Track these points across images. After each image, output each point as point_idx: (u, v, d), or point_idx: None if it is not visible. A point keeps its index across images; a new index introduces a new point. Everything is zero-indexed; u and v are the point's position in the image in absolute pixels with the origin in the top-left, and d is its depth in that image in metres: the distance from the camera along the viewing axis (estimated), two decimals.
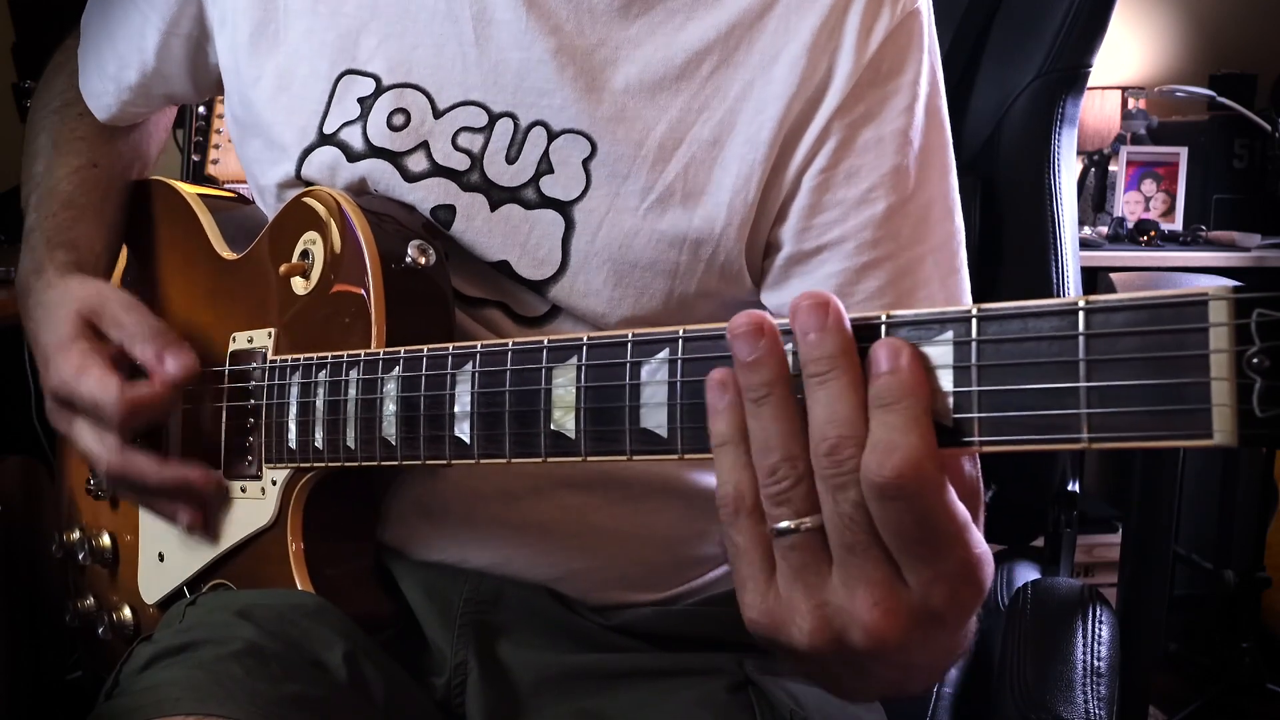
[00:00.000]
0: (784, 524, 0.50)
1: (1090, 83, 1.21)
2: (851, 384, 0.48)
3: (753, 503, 0.51)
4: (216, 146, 1.94)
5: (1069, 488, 1.20)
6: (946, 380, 0.46)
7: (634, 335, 0.56)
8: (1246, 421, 0.39)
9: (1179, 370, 0.40)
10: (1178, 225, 2.98)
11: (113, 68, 0.97)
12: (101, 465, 0.85)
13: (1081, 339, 0.43)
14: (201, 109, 1.91)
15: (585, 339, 0.58)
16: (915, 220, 0.79)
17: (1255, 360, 0.39)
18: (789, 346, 0.50)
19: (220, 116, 1.92)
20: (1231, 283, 0.40)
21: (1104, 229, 2.95)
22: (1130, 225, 2.91)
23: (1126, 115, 3.01)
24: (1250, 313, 0.39)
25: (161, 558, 0.93)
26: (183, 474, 0.84)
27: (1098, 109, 2.95)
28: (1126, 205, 2.99)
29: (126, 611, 0.97)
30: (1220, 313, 0.39)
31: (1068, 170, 1.19)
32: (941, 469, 0.47)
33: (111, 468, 0.84)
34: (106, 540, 1.00)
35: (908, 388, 0.46)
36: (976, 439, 0.46)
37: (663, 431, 0.55)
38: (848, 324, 0.48)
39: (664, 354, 0.55)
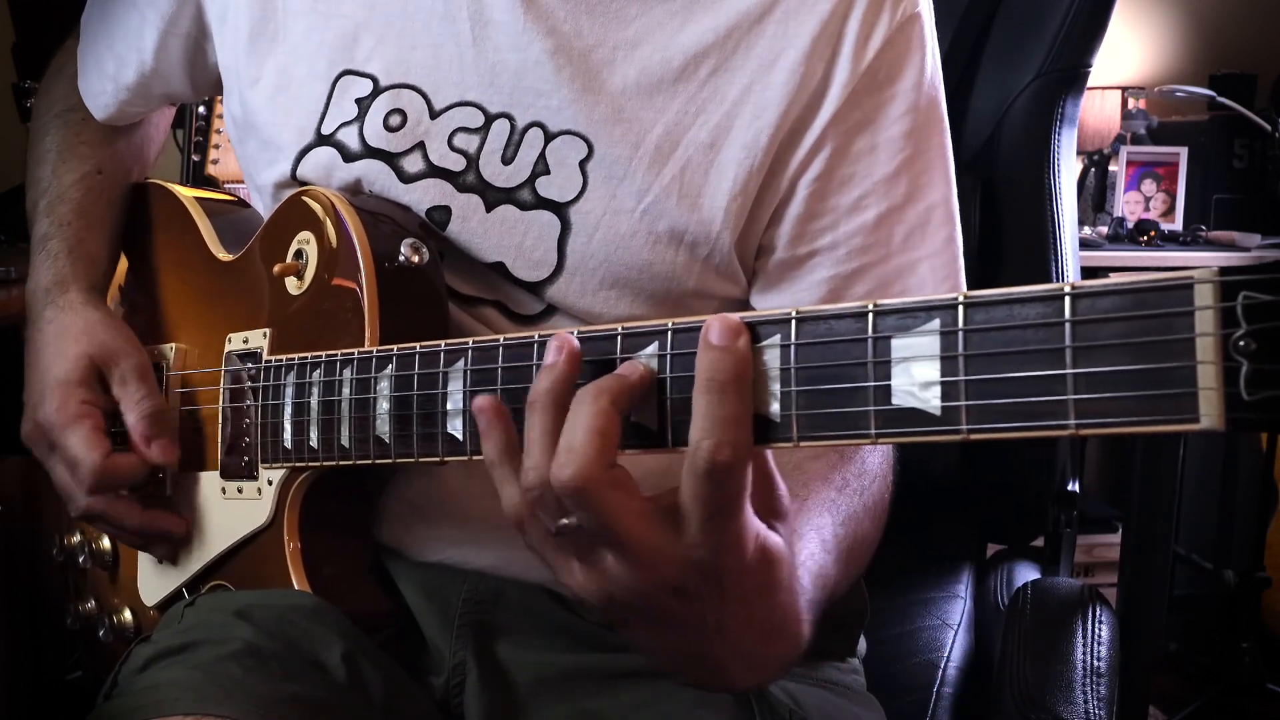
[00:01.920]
0: (552, 524, 0.54)
1: (1090, 83, 1.21)
2: (599, 411, 0.52)
3: (528, 511, 0.56)
4: (216, 147, 1.94)
5: (1069, 488, 1.20)
6: (933, 369, 0.46)
7: (623, 329, 0.56)
8: (1233, 405, 0.39)
9: (1165, 354, 0.40)
10: (1178, 225, 2.98)
11: (111, 67, 0.97)
12: (75, 505, 0.88)
13: (1068, 325, 0.43)
14: (201, 109, 1.91)
15: (575, 333, 0.58)
16: (910, 226, 0.80)
17: (1242, 343, 0.38)
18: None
19: (220, 116, 1.92)
20: (1219, 259, 0.40)
21: (1104, 229, 2.95)
22: (1130, 225, 2.91)
23: (1126, 115, 3.00)
24: (1236, 295, 0.38)
25: (161, 560, 0.93)
26: (159, 524, 0.88)
27: (1098, 109, 2.95)
28: (1126, 205, 2.99)
29: (127, 614, 0.97)
30: (1206, 296, 0.39)
31: (1068, 170, 1.19)
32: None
33: (90, 508, 0.87)
34: (106, 543, 1.00)
35: (737, 371, 0.50)
36: (964, 427, 0.45)
37: (653, 425, 0.55)
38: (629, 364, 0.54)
39: (653, 348, 0.55)
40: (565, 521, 0.53)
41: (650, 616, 0.56)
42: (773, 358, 0.51)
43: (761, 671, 0.61)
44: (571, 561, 0.56)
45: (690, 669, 0.60)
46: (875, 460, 0.77)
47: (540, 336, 0.60)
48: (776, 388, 0.51)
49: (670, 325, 0.54)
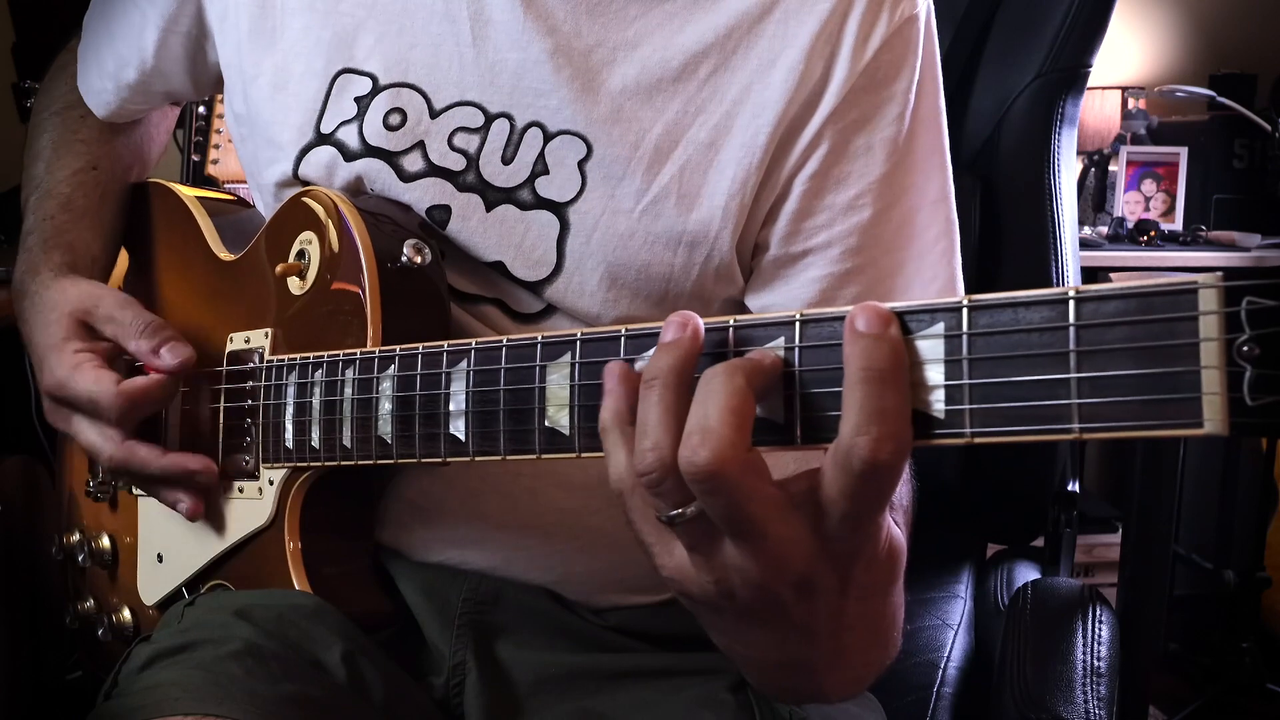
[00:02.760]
0: (669, 514, 0.51)
1: (1090, 83, 1.21)
2: (735, 390, 0.48)
3: (636, 485, 0.52)
4: (216, 147, 1.94)
5: (1069, 488, 1.20)
6: (937, 372, 0.46)
7: (627, 331, 0.56)
8: (1237, 410, 0.39)
9: (1169, 359, 0.40)
10: (1178, 225, 2.98)
11: (112, 65, 0.97)
12: (104, 456, 0.85)
13: (1072, 329, 0.43)
14: (201, 109, 1.91)
15: (579, 335, 0.58)
16: (906, 227, 0.80)
17: (1245, 348, 0.38)
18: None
19: (220, 116, 1.92)
20: (1219, 259, 0.40)
21: (1104, 229, 2.95)
22: (1130, 225, 2.91)
23: (1126, 115, 3.00)
24: (1240, 301, 0.39)
25: (160, 559, 0.93)
26: (182, 463, 0.84)
27: (1098, 109, 2.95)
28: (1126, 205, 2.99)
29: (126, 613, 0.97)
30: (1210, 301, 0.39)
31: (1068, 170, 1.19)
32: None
33: (114, 459, 0.84)
34: (106, 542, 1.00)
35: (896, 359, 0.47)
36: (968, 430, 0.46)
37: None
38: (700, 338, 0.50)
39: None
40: (681, 512, 0.50)
41: (758, 614, 0.53)
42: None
43: (857, 681, 0.59)
44: (675, 546, 0.53)
45: (782, 675, 0.58)
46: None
47: (544, 338, 0.60)
48: (780, 389, 0.51)
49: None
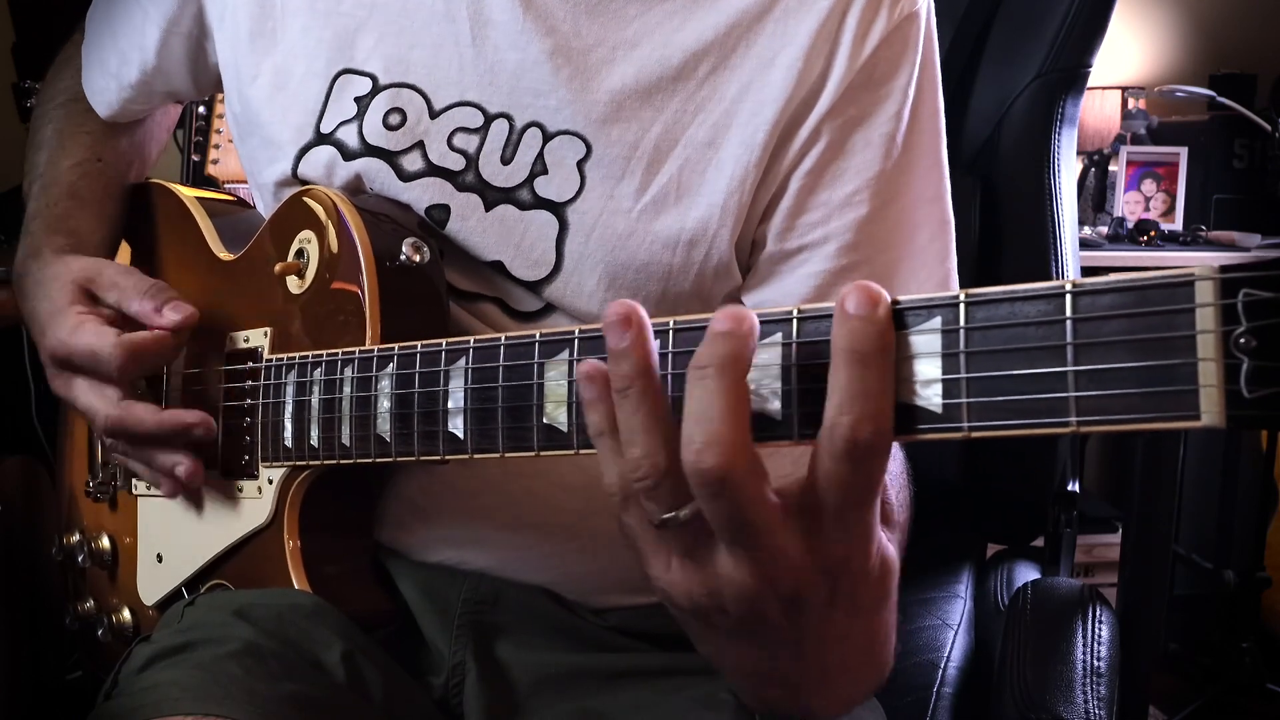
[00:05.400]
0: (661, 516, 0.50)
1: (1090, 83, 1.21)
2: (727, 386, 0.47)
3: (634, 491, 0.51)
4: (216, 146, 1.94)
5: (1069, 488, 1.20)
6: (934, 367, 0.46)
7: None
8: (1234, 402, 0.39)
9: (1166, 352, 0.40)
10: (1178, 225, 2.98)
11: (114, 65, 0.97)
12: (100, 417, 0.84)
13: (1069, 322, 0.43)
14: (201, 109, 1.92)
15: (577, 332, 0.58)
16: (896, 224, 0.80)
17: (1242, 340, 0.38)
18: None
19: (220, 116, 1.92)
20: (1219, 259, 0.40)
21: (1104, 229, 2.95)
22: (1130, 225, 2.91)
23: (1126, 115, 3.00)
24: (1236, 292, 0.38)
25: (160, 559, 0.93)
26: (179, 418, 0.83)
27: (1098, 109, 2.95)
28: (1126, 205, 2.99)
29: (126, 613, 0.97)
30: (1206, 293, 0.39)
31: (1068, 170, 1.19)
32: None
33: (110, 419, 0.83)
34: (106, 543, 1.00)
35: (882, 342, 0.46)
36: (965, 425, 0.45)
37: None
38: (755, 335, 0.48)
39: (655, 345, 0.55)
40: (674, 515, 0.49)
41: (746, 627, 0.52)
42: (772, 356, 0.51)
43: (845, 702, 0.59)
44: (667, 555, 0.52)
45: (768, 689, 0.57)
46: (895, 465, 0.76)
47: (541, 335, 0.60)
48: (778, 385, 0.51)
49: (672, 323, 0.54)
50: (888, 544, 0.52)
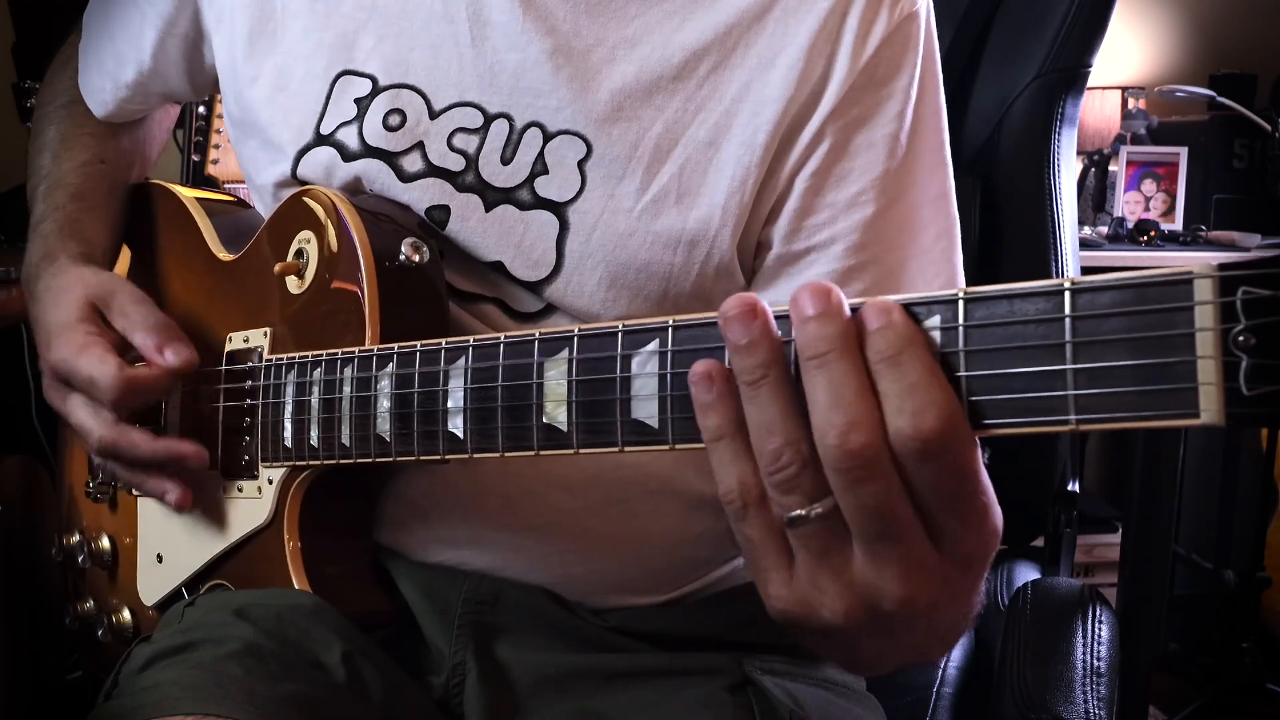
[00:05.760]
0: (796, 512, 0.48)
1: (1090, 83, 1.21)
2: (854, 368, 0.47)
3: (759, 494, 0.50)
4: (216, 147, 1.94)
5: (1069, 488, 1.20)
6: None
7: (624, 326, 0.56)
8: (1233, 400, 0.39)
9: (1165, 350, 0.40)
10: (1178, 225, 2.98)
11: (111, 65, 0.98)
12: (94, 437, 0.85)
13: (1068, 320, 0.43)
14: (201, 109, 1.92)
15: (576, 331, 0.58)
16: (901, 224, 0.80)
17: (1241, 338, 0.38)
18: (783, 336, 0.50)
19: (220, 116, 1.92)
20: (1219, 259, 0.40)
21: (1104, 229, 2.95)
22: (1130, 225, 2.91)
23: (1126, 115, 3.00)
24: (1235, 290, 0.39)
25: (160, 559, 0.93)
26: (175, 448, 0.84)
27: (1098, 109, 2.95)
28: (1126, 205, 2.99)
29: (126, 614, 0.97)
30: (1205, 291, 0.39)
31: (1068, 170, 1.19)
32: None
33: (104, 440, 0.84)
34: (106, 543, 1.00)
35: (907, 337, 0.46)
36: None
37: (654, 422, 0.55)
38: (848, 310, 0.48)
39: (654, 345, 0.55)
40: (809, 510, 0.48)
41: (889, 629, 0.50)
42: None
43: (956, 638, 0.58)
44: (789, 566, 0.50)
45: (896, 660, 0.57)
46: None
47: (541, 335, 0.60)
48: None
49: (671, 322, 0.54)
50: (995, 510, 0.50)
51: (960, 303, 0.46)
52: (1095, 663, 0.96)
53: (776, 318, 0.50)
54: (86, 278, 0.90)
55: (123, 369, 0.83)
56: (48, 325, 0.89)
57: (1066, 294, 0.43)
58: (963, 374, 0.46)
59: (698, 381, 0.50)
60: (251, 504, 0.83)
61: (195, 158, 1.94)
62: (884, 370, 0.46)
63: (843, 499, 0.47)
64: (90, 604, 1.03)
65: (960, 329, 0.46)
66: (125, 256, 1.04)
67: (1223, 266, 0.39)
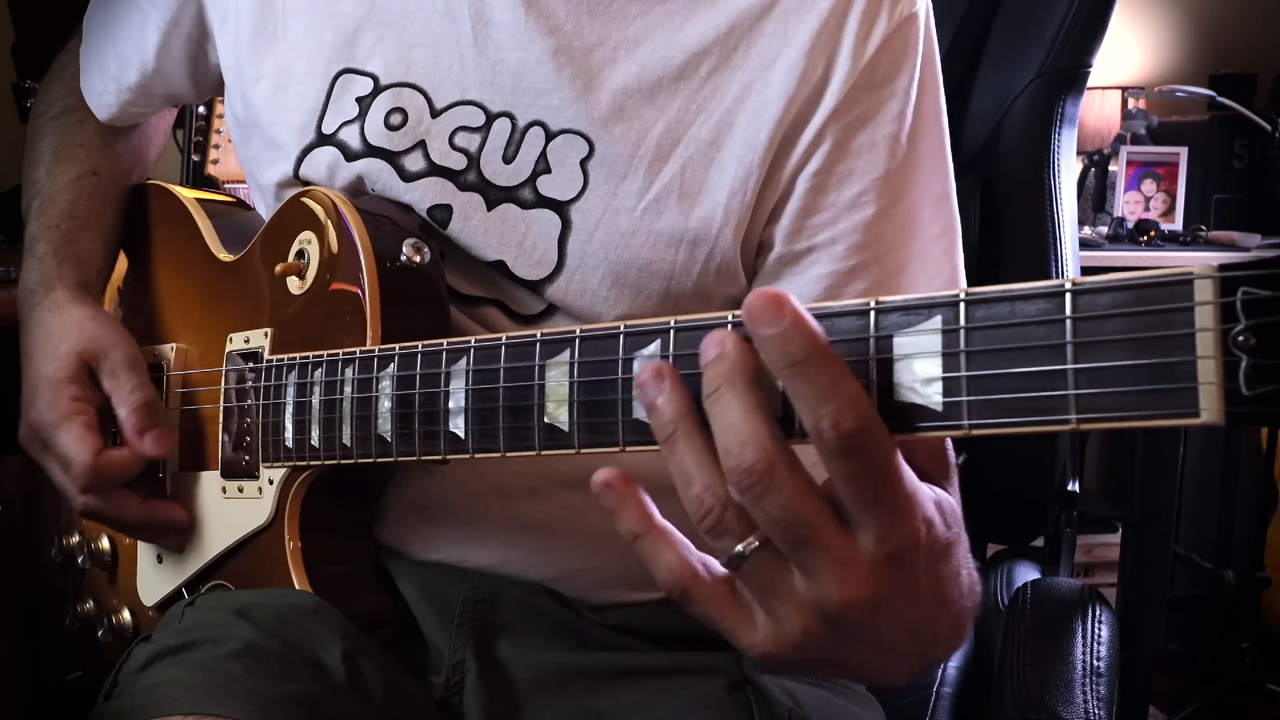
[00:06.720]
0: (735, 551, 0.50)
1: (1090, 83, 1.21)
2: (742, 391, 0.48)
3: (692, 571, 0.52)
4: (216, 147, 1.94)
5: (1069, 488, 1.20)
6: (935, 365, 0.46)
7: (626, 327, 0.56)
8: (1233, 399, 0.39)
9: (1165, 350, 0.40)
10: (1178, 225, 2.98)
11: (114, 67, 0.97)
12: (76, 504, 0.87)
13: (1068, 321, 0.43)
14: (201, 109, 1.92)
15: (578, 331, 0.58)
16: (903, 223, 0.80)
17: (1241, 338, 0.38)
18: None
19: (220, 117, 1.92)
20: (1219, 259, 0.40)
21: (1104, 229, 2.95)
22: (1130, 225, 2.91)
23: (1126, 115, 3.00)
24: (1236, 290, 0.39)
25: (160, 560, 0.93)
26: (165, 514, 0.87)
27: (1098, 109, 2.95)
28: (1126, 205, 2.99)
29: (126, 614, 0.97)
30: (1205, 291, 0.39)
31: (1068, 170, 1.19)
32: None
33: (87, 507, 0.87)
34: (105, 543, 1.00)
35: (808, 339, 0.46)
36: (966, 423, 0.46)
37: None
38: (732, 344, 0.48)
39: (655, 346, 0.55)
40: (743, 548, 0.49)
41: (851, 638, 0.51)
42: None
43: (950, 636, 0.58)
44: (749, 610, 0.52)
45: (900, 668, 0.57)
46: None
47: (543, 335, 0.60)
48: (781, 385, 0.51)
49: (673, 323, 0.54)
50: (931, 507, 0.50)
51: (961, 304, 0.46)
52: (1095, 663, 0.96)
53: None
54: (83, 326, 0.90)
55: (97, 455, 0.84)
56: (36, 375, 0.89)
57: (1067, 295, 0.43)
58: (963, 374, 0.46)
59: (604, 485, 0.52)
60: (252, 504, 0.83)
61: (195, 158, 1.94)
62: (792, 377, 0.46)
63: (757, 518, 0.48)
64: (90, 604, 1.03)
65: (961, 330, 0.46)
66: (123, 257, 1.04)
67: (1223, 267, 0.39)
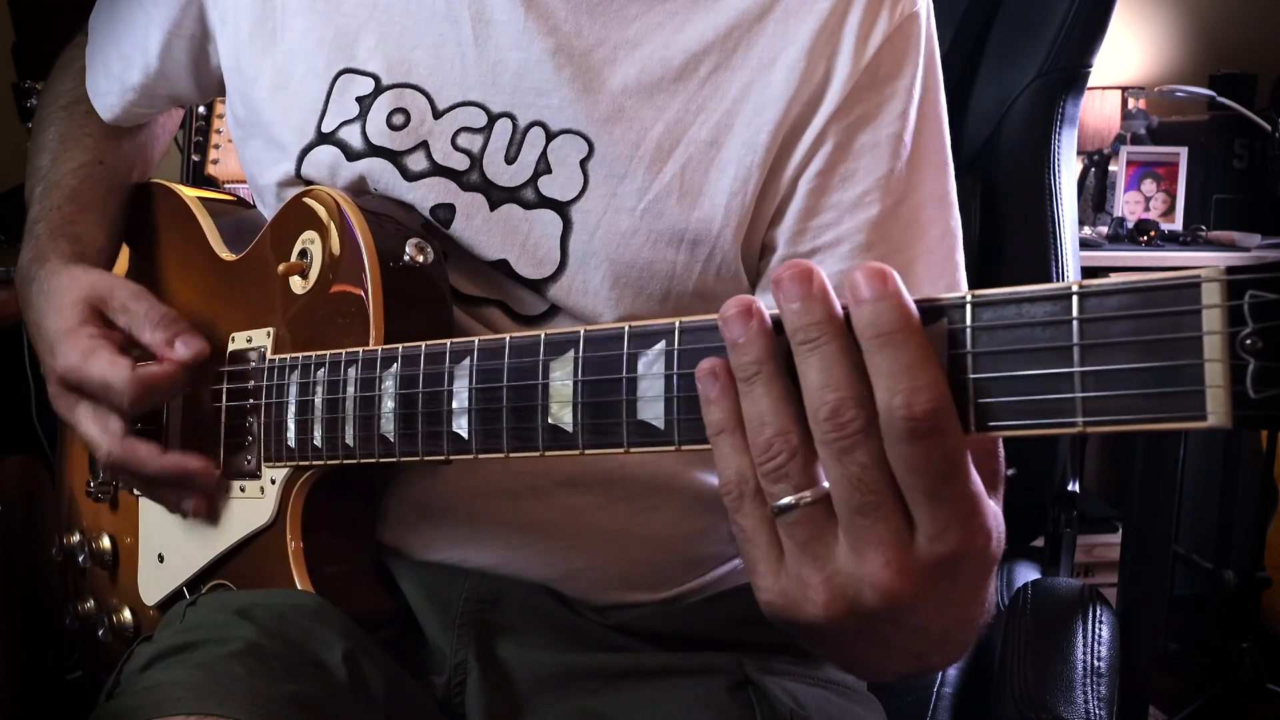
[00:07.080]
0: (784, 500, 0.50)
1: (1090, 83, 1.21)
2: (842, 348, 0.48)
3: (754, 486, 0.51)
4: (216, 147, 1.94)
5: (1069, 488, 1.20)
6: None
7: (630, 328, 0.56)
8: (1240, 403, 0.39)
9: (1173, 353, 0.40)
10: (1178, 225, 2.98)
11: (117, 68, 0.97)
12: (102, 451, 0.85)
13: (1075, 324, 0.43)
14: (202, 109, 1.92)
15: (582, 332, 0.58)
16: (908, 223, 0.80)
17: (1249, 341, 0.39)
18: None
19: (220, 117, 1.92)
20: (1219, 259, 0.40)
21: (1104, 229, 2.95)
22: (1130, 225, 2.91)
23: (1126, 115, 3.01)
24: (1243, 294, 0.39)
25: (161, 559, 0.93)
26: (182, 464, 0.84)
27: (1098, 109, 2.95)
28: (1126, 205, 2.99)
29: (126, 614, 0.97)
30: (1213, 294, 0.39)
31: (1068, 170, 1.19)
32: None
33: (112, 454, 0.84)
34: (106, 543, 1.00)
35: (902, 315, 0.46)
36: (972, 425, 0.46)
37: (660, 423, 0.55)
38: (831, 291, 0.49)
39: (660, 346, 0.55)
40: (794, 500, 0.49)
41: (866, 630, 0.52)
42: None
43: (959, 647, 0.59)
44: (779, 556, 0.51)
45: (898, 666, 0.58)
46: None
47: (547, 335, 0.60)
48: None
49: (678, 324, 0.54)
50: (994, 520, 0.50)
51: (968, 306, 0.46)
52: (1095, 663, 0.96)
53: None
54: (80, 278, 0.90)
55: (136, 370, 0.82)
56: (48, 332, 0.89)
57: (1074, 297, 0.43)
58: (970, 376, 0.46)
59: (703, 377, 0.52)
60: (254, 504, 0.83)
61: (195, 158, 1.94)
62: (877, 348, 0.47)
63: (829, 470, 0.49)
64: (91, 604, 1.03)
65: (968, 331, 0.46)
66: (125, 256, 1.04)
67: (1230, 270, 0.39)
